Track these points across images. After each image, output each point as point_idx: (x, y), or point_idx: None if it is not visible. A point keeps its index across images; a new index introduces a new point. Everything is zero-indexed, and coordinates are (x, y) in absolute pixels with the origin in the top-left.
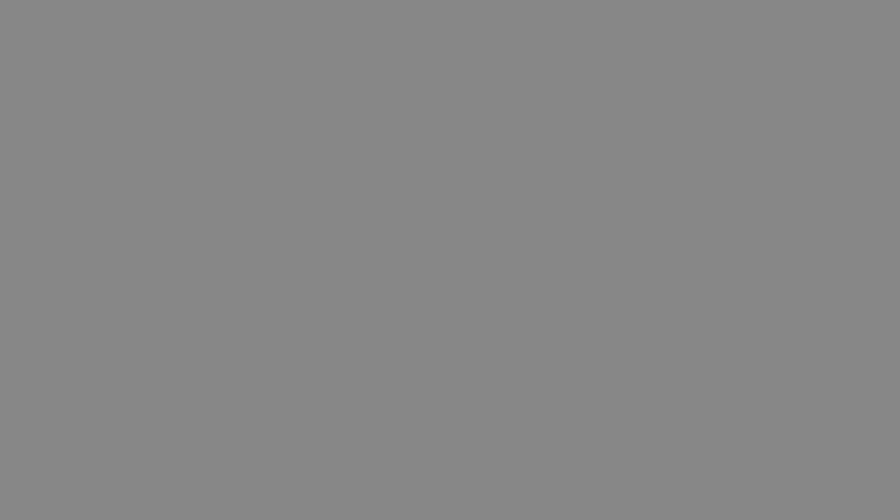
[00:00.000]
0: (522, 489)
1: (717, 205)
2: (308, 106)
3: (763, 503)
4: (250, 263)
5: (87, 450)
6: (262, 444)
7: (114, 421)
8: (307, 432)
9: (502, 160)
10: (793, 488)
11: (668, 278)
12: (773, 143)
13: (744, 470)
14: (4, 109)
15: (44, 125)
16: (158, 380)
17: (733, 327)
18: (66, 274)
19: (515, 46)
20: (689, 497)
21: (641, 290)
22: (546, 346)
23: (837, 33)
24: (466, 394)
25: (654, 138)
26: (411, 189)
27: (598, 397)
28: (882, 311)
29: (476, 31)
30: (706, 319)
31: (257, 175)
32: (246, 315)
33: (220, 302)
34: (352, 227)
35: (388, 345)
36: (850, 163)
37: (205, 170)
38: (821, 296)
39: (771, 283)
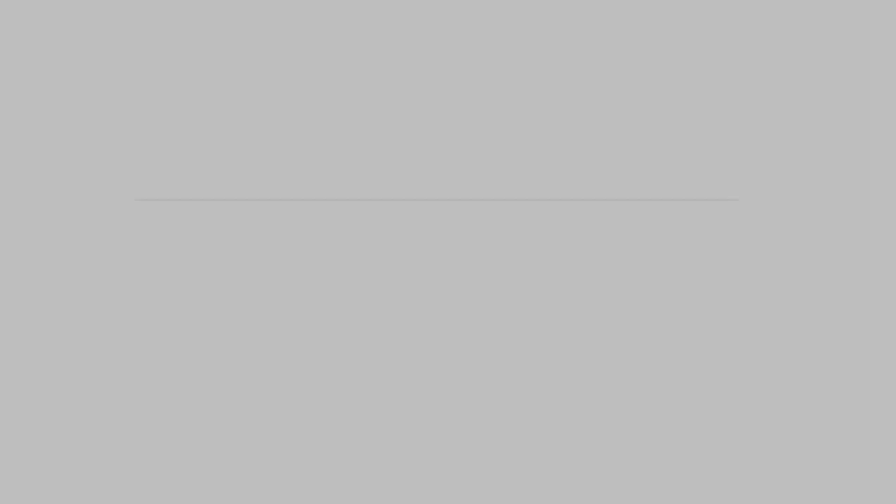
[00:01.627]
0: (522, 489)
1: (716, 202)
2: (308, 105)
3: (763, 502)
4: (250, 263)
5: (88, 449)
6: (262, 443)
7: (114, 420)
8: (307, 432)
9: (502, 159)
10: (793, 488)
11: (668, 278)
12: (773, 142)
13: (744, 469)
14: (4, 109)
15: (44, 124)
16: (159, 379)
17: (734, 327)
18: (66, 273)
19: (515, 45)
20: (690, 496)
21: (642, 291)
22: (546, 346)
23: (837, 33)
24: (466, 394)
25: (653, 135)
26: (411, 187)
27: (597, 397)
28: (882, 311)
29: (475, 29)
30: (706, 319)
31: (257, 173)
32: (246, 315)
33: (221, 301)
34: (352, 227)
35: (388, 344)
36: (850, 163)
37: (204, 167)
38: (821, 296)
39: (771, 282)
